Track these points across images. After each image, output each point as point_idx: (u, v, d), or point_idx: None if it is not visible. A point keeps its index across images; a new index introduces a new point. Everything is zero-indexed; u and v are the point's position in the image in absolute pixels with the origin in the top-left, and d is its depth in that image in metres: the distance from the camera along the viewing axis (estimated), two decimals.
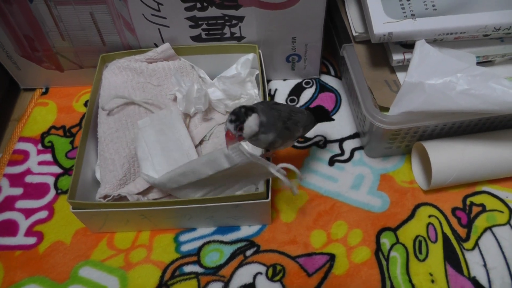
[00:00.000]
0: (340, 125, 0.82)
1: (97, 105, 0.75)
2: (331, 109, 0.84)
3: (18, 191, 0.75)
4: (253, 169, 0.58)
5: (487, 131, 0.73)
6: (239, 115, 0.56)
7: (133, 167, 0.70)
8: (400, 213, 0.70)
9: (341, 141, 0.80)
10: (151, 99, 0.76)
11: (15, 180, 0.77)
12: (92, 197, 0.69)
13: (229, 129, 0.55)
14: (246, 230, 0.69)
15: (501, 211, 0.70)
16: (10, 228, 0.71)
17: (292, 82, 0.89)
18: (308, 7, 0.73)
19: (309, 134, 0.80)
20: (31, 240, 0.70)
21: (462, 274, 0.64)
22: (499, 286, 0.63)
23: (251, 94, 0.79)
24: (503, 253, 0.66)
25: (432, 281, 0.64)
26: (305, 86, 0.88)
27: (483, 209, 0.70)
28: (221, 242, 0.69)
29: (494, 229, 0.68)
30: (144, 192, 0.70)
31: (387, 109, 0.68)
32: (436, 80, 0.62)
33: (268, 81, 0.89)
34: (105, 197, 0.67)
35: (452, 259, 0.66)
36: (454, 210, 0.70)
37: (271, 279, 0.65)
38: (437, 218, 0.70)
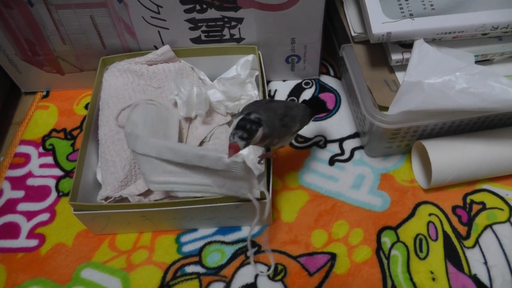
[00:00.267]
0: (340, 125, 0.82)
1: (97, 107, 0.75)
2: (331, 109, 0.84)
3: (20, 194, 0.76)
4: (238, 181, 0.59)
5: (486, 130, 0.73)
6: (251, 134, 0.55)
7: (134, 168, 0.70)
8: (401, 212, 0.71)
9: (341, 141, 0.80)
10: (157, 99, 0.76)
11: (17, 183, 0.77)
12: (93, 199, 0.69)
13: (238, 145, 0.54)
14: (247, 231, 0.70)
15: (501, 209, 0.70)
16: (12, 231, 0.72)
17: (291, 83, 0.89)
18: (307, 8, 0.73)
19: (309, 134, 0.80)
20: (33, 243, 0.70)
21: (463, 272, 0.64)
22: (499, 284, 0.63)
23: (251, 95, 0.79)
24: (503, 250, 0.66)
25: (433, 279, 0.64)
26: (305, 86, 0.88)
27: (483, 207, 0.70)
28: (223, 242, 0.69)
29: (494, 226, 0.68)
30: (145, 194, 0.70)
31: (386, 109, 0.68)
32: (435, 79, 0.62)
33: (268, 82, 0.89)
34: (106, 198, 0.67)
35: (452, 257, 0.66)
36: (454, 208, 0.70)
37: (272, 278, 0.65)
38: (438, 217, 0.70)
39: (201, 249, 0.68)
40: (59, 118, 0.85)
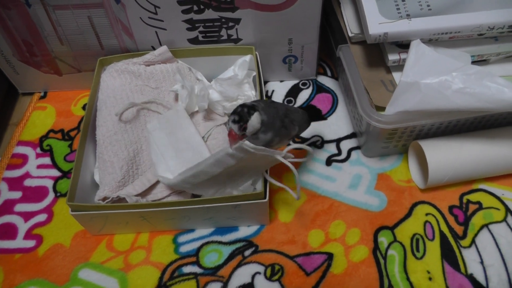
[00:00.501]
0: (337, 125, 0.82)
1: (95, 108, 0.75)
2: (328, 109, 0.85)
3: (17, 194, 0.76)
4: (260, 159, 0.59)
5: (482, 130, 0.73)
6: (242, 115, 0.56)
7: (132, 169, 0.70)
8: (398, 212, 0.71)
9: (338, 141, 0.80)
10: (157, 99, 0.77)
11: (14, 183, 0.77)
12: (91, 200, 0.69)
13: (233, 129, 0.56)
14: (245, 231, 0.70)
15: (498, 209, 0.70)
16: (9, 231, 0.72)
17: (289, 83, 0.89)
18: (304, 9, 0.73)
19: (306, 134, 0.81)
20: (31, 243, 0.70)
21: (460, 271, 0.65)
22: (496, 283, 0.63)
23: (249, 96, 0.79)
24: (499, 250, 0.66)
25: (430, 279, 0.64)
26: (302, 87, 0.89)
27: (480, 206, 0.71)
28: (220, 242, 0.69)
29: (490, 226, 0.69)
30: (143, 194, 0.70)
31: (383, 109, 0.69)
32: (432, 79, 0.62)
33: (265, 82, 0.89)
34: (104, 199, 0.67)
35: (449, 256, 0.66)
36: (451, 208, 0.71)
37: (269, 278, 0.65)
38: (434, 216, 0.70)
39: (199, 249, 0.68)
40: (57, 118, 0.86)
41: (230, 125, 0.56)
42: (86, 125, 0.72)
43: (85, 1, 0.73)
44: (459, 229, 0.69)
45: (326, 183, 0.75)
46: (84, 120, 0.72)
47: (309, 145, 0.80)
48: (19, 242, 0.70)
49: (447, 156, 0.69)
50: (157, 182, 0.70)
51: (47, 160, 0.80)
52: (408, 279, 0.64)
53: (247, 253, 0.67)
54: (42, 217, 0.73)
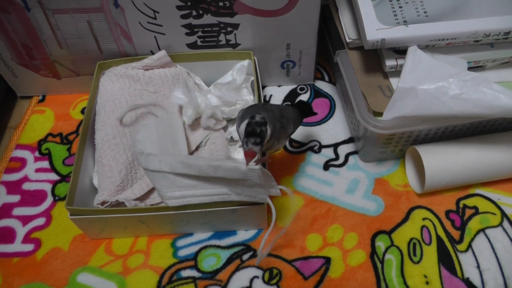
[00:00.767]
0: (335, 130, 0.83)
1: (94, 112, 0.75)
2: (325, 114, 0.85)
3: (15, 198, 0.76)
4: (255, 187, 0.58)
5: (479, 135, 0.74)
6: (263, 136, 0.55)
7: (131, 173, 0.71)
8: (395, 217, 0.71)
9: (335, 146, 0.81)
10: (158, 103, 0.77)
11: (12, 187, 0.77)
12: (89, 204, 0.69)
13: (255, 150, 0.55)
14: (243, 235, 0.70)
15: (494, 213, 0.71)
16: (7, 235, 0.72)
17: (287, 88, 0.90)
18: (302, 14, 0.74)
19: (304, 139, 0.81)
20: (29, 247, 0.70)
21: (456, 275, 0.65)
22: (492, 287, 0.64)
23: (247, 100, 0.79)
24: (495, 254, 0.67)
25: (427, 283, 0.65)
26: (300, 92, 0.89)
27: (476, 211, 0.71)
28: (218, 246, 0.69)
29: (487, 231, 0.69)
30: (141, 198, 0.70)
31: (380, 114, 0.69)
32: (429, 85, 0.63)
33: (263, 87, 0.90)
34: (103, 203, 0.68)
35: (446, 261, 0.66)
36: (447, 213, 0.71)
37: (267, 282, 0.65)
38: (431, 221, 0.70)
39: (197, 253, 0.69)
40: (55, 122, 0.86)
41: (250, 147, 0.54)
42: (85, 129, 0.73)
43: (84, 5, 0.73)
44: (455, 234, 0.69)
45: (324, 187, 0.75)
46: (83, 124, 0.72)
47: (306, 149, 0.80)
48: (17, 246, 0.70)
49: (444, 161, 0.69)
50: None
51: (45, 164, 0.80)
52: (405, 283, 0.65)
53: (245, 257, 0.68)
54: (40, 221, 0.73)
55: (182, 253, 0.69)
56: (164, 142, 0.71)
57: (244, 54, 0.80)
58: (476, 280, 0.65)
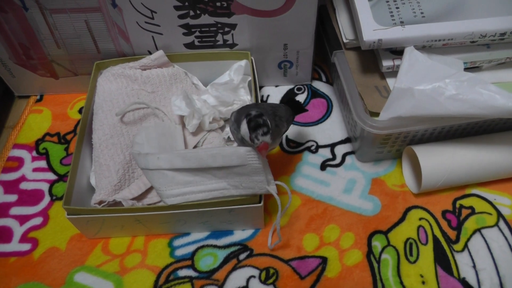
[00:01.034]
0: (332, 130, 0.83)
1: (91, 112, 0.75)
2: (322, 114, 0.85)
3: (13, 198, 0.76)
4: (254, 175, 0.59)
5: (475, 135, 0.74)
6: (268, 125, 0.55)
7: (128, 172, 0.71)
8: (391, 216, 0.71)
9: (332, 146, 0.81)
10: (154, 103, 0.78)
11: (10, 187, 0.77)
12: (87, 203, 0.69)
13: (267, 141, 0.55)
14: (240, 234, 0.70)
15: (490, 213, 0.71)
16: (4, 235, 0.72)
17: (284, 88, 0.90)
18: (300, 15, 0.74)
19: (301, 139, 0.81)
20: (26, 247, 0.70)
21: (452, 275, 0.65)
22: (488, 287, 0.64)
23: (244, 100, 0.80)
24: (491, 254, 0.67)
25: (423, 283, 0.65)
26: (297, 92, 0.89)
27: (472, 211, 0.72)
28: (215, 246, 0.69)
29: (483, 231, 0.69)
30: (139, 198, 0.70)
31: (377, 115, 0.69)
32: (425, 85, 0.63)
33: (261, 87, 0.90)
34: (100, 202, 0.68)
35: (442, 260, 0.67)
36: (444, 213, 0.71)
37: (264, 282, 0.65)
38: (428, 221, 0.71)
39: (194, 253, 0.69)
40: (53, 122, 0.86)
41: (261, 139, 0.55)
42: (83, 128, 0.73)
43: (82, 5, 0.73)
44: (452, 234, 0.69)
45: (321, 187, 0.75)
46: (80, 123, 0.72)
47: (303, 149, 0.80)
48: (15, 246, 0.70)
49: (440, 162, 0.69)
50: None
51: (43, 164, 0.80)
52: (401, 283, 0.65)
53: (242, 256, 0.68)
54: (37, 221, 0.73)
55: (179, 252, 0.69)
56: (163, 145, 0.71)
57: (241, 54, 0.80)
58: (472, 280, 0.65)
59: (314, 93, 0.89)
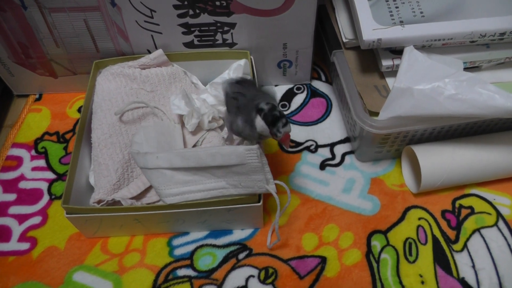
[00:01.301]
0: (331, 130, 0.83)
1: (91, 111, 0.75)
2: (322, 114, 0.85)
3: (12, 197, 0.76)
4: (252, 174, 0.59)
5: (474, 135, 0.74)
6: (285, 115, 0.56)
7: (127, 172, 0.71)
8: (391, 216, 0.71)
9: (332, 145, 0.81)
10: (154, 103, 0.77)
11: (9, 186, 0.77)
12: (86, 203, 0.69)
13: (287, 131, 0.55)
14: (239, 234, 0.70)
15: (489, 213, 0.71)
16: (3, 234, 0.72)
17: (283, 88, 0.90)
18: (299, 14, 0.74)
19: (300, 138, 0.81)
20: (25, 246, 0.70)
21: (452, 275, 0.65)
22: (487, 287, 0.64)
23: None
24: (491, 254, 0.67)
25: (422, 283, 0.65)
26: (297, 91, 0.89)
27: (472, 211, 0.72)
28: (214, 245, 0.69)
29: (482, 231, 0.69)
30: (137, 197, 0.70)
31: (377, 114, 0.69)
32: (425, 85, 0.63)
33: (260, 86, 0.90)
34: (99, 202, 0.67)
35: (441, 260, 0.67)
36: (443, 213, 0.71)
37: (263, 282, 0.65)
38: (427, 221, 0.71)
39: (193, 252, 0.69)
40: (52, 121, 0.86)
41: (283, 131, 0.55)
42: (82, 127, 0.72)
43: (81, 4, 0.73)
44: (451, 234, 0.69)
45: (320, 187, 0.75)
46: (79, 122, 0.72)
47: (302, 149, 0.80)
48: (13, 245, 0.70)
49: (440, 161, 0.69)
50: None
51: (42, 163, 0.80)
52: (400, 282, 0.65)
53: (241, 256, 0.68)
54: (36, 220, 0.73)
55: (178, 252, 0.69)
56: (162, 144, 0.71)
57: (240, 54, 0.80)
58: (471, 280, 0.65)
59: (314, 93, 0.89)
